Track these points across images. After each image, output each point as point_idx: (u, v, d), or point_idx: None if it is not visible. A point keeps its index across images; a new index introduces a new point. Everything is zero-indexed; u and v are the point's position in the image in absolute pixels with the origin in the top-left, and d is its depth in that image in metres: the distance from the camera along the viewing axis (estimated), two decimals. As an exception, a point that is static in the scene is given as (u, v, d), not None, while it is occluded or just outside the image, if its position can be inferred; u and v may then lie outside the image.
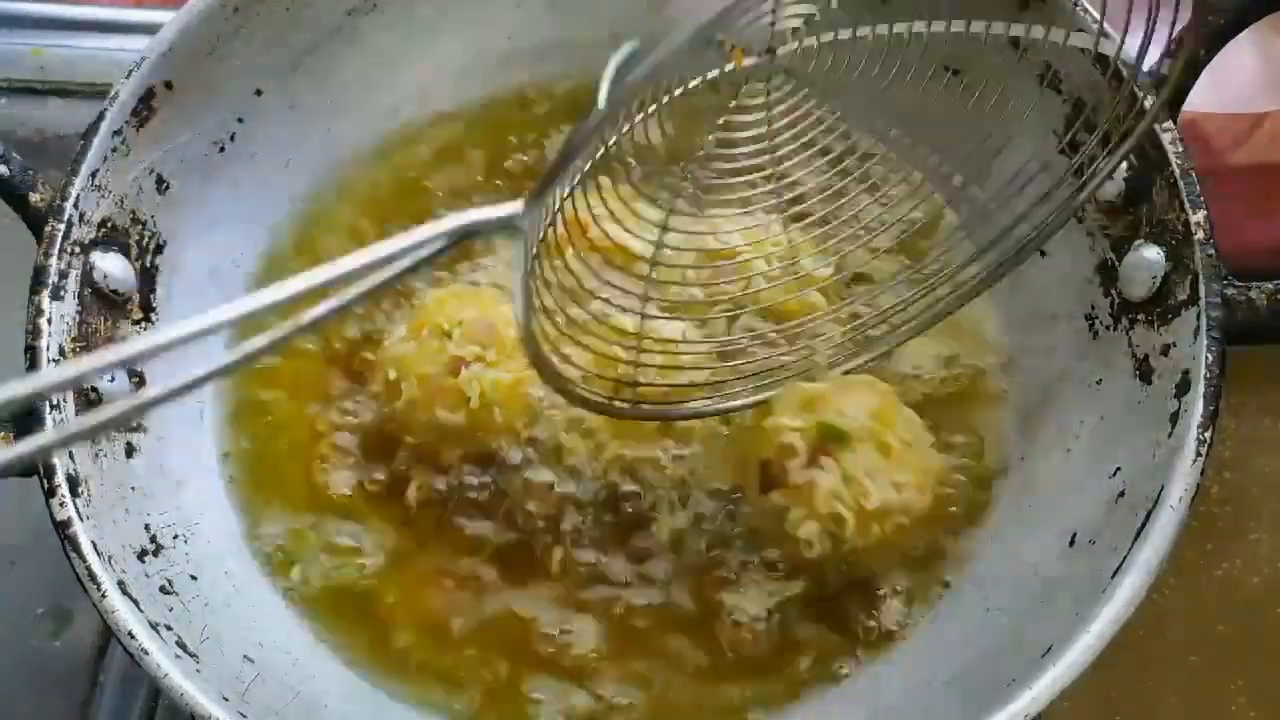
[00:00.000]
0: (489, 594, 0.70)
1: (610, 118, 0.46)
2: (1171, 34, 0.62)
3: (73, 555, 0.60)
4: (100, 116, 0.69)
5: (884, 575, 0.70)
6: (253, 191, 0.79)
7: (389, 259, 0.46)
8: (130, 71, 0.70)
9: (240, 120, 0.78)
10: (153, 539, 0.66)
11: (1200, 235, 0.63)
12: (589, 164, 0.57)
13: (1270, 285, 0.63)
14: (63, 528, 0.60)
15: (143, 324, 0.71)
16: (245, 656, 0.65)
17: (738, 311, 0.75)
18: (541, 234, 0.55)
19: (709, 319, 0.74)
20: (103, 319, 0.68)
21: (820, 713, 0.68)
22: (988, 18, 0.74)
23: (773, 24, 0.62)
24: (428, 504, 0.72)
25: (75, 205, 0.66)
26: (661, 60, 0.43)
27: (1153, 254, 0.66)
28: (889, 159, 0.75)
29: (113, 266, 0.69)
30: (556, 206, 0.56)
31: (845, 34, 0.64)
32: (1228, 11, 0.66)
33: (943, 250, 0.73)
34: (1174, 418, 0.62)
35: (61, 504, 0.61)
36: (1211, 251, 0.63)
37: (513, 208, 0.50)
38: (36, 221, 0.66)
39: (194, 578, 0.67)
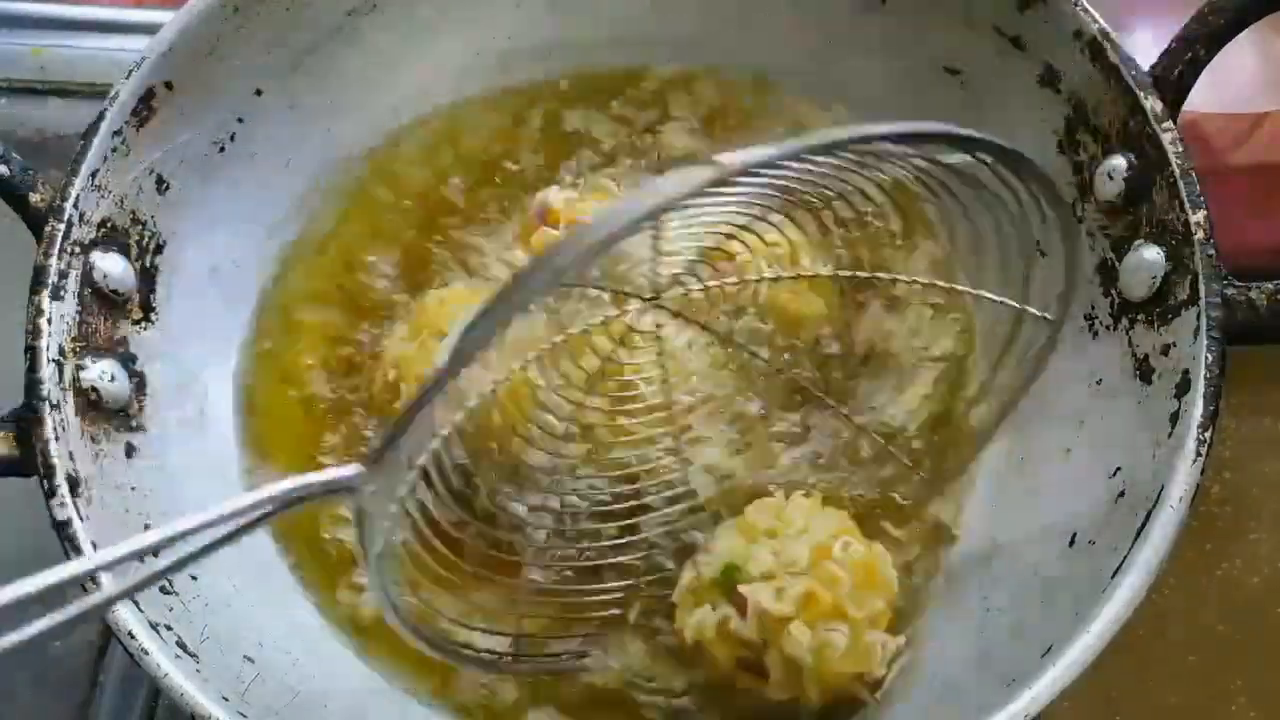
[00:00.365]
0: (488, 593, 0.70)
1: (450, 373, 0.44)
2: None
3: (73, 555, 0.60)
4: (100, 116, 0.69)
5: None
6: (253, 191, 0.79)
7: (213, 523, 0.46)
8: (130, 71, 0.70)
9: (240, 120, 0.78)
10: (153, 539, 0.66)
11: (1200, 235, 0.63)
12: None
13: (1270, 285, 0.63)
14: (62, 528, 0.60)
15: (143, 324, 0.71)
16: (245, 656, 0.65)
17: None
18: (398, 496, 0.50)
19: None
20: (103, 319, 0.68)
21: (823, 713, 0.68)
22: (990, 17, 0.75)
23: (654, 272, 0.59)
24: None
25: (75, 205, 0.66)
26: (496, 320, 0.42)
27: (1153, 254, 0.66)
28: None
29: (113, 266, 0.69)
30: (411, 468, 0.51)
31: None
32: (1228, 11, 0.66)
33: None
34: (1174, 418, 0.62)
35: (61, 504, 0.61)
36: (1211, 251, 0.63)
37: (351, 470, 0.47)
38: (36, 221, 0.66)
39: (194, 578, 0.67)
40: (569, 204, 0.75)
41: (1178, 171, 0.65)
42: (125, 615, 0.59)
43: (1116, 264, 0.70)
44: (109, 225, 0.69)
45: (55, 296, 0.65)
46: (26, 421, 0.62)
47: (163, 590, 0.64)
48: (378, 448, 0.47)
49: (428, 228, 0.82)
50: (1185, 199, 0.64)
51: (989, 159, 0.50)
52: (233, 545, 0.46)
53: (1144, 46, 0.72)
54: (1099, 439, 0.69)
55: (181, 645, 0.61)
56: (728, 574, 0.63)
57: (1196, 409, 0.61)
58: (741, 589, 0.62)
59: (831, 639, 0.61)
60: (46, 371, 0.63)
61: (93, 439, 0.65)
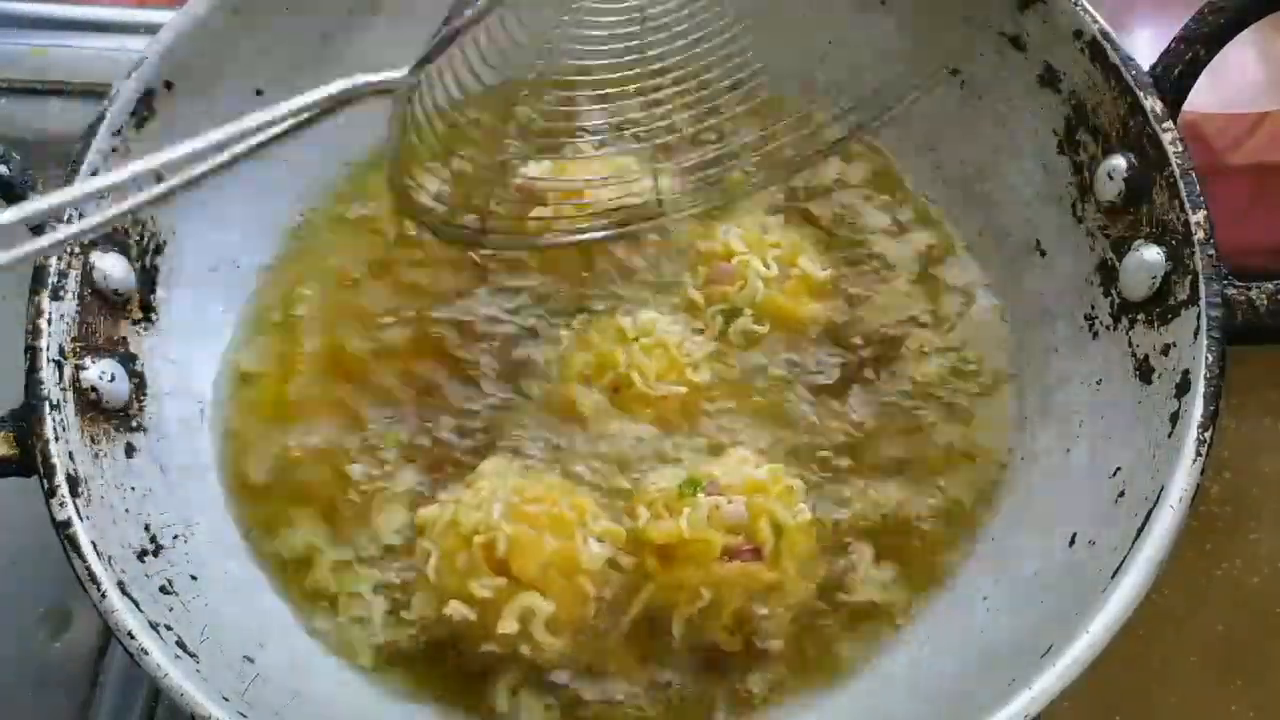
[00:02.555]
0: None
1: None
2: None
3: (73, 555, 0.60)
4: (100, 116, 0.69)
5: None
6: (253, 191, 0.79)
7: (276, 120, 0.55)
8: (130, 71, 0.70)
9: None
10: (153, 539, 0.66)
11: (1200, 235, 0.63)
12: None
13: (1270, 285, 0.63)
14: (63, 528, 0.60)
15: (143, 324, 0.71)
16: (245, 656, 0.65)
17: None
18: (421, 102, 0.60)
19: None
20: (103, 319, 0.68)
21: (823, 714, 0.68)
22: (990, 17, 0.75)
23: None
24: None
25: (75, 205, 0.66)
26: None
27: (1153, 254, 0.66)
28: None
29: (113, 266, 0.69)
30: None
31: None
32: (1228, 11, 0.66)
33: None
34: (1174, 418, 0.62)
35: (61, 504, 0.61)
36: (1211, 251, 0.63)
37: (398, 73, 0.56)
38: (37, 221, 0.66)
39: (194, 578, 0.67)
40: (550, 175, 0.75)
41: (1178, 171, 0.65)
42: (125, 615, 0.59)
43: (1116, 264, 0.70)
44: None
45: (55, 296, 0.65)
46: (26, 421, 0.62)
47: (163, 590, 0.64)
48: (421, 57, 0.56)
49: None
50: (1185, 199, 0.64)
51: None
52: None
53: (1144, 46, 0.72)
54: (1099, 439, 0.69)
55: (181, 645, 0.61)
56: (691, 484, 0.68)
57: (1196, 409, 0.61)
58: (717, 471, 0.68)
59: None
60: (46, 371, 0.63)
61: (93, 439, 0.65)
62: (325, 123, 0.80)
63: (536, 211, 0.73)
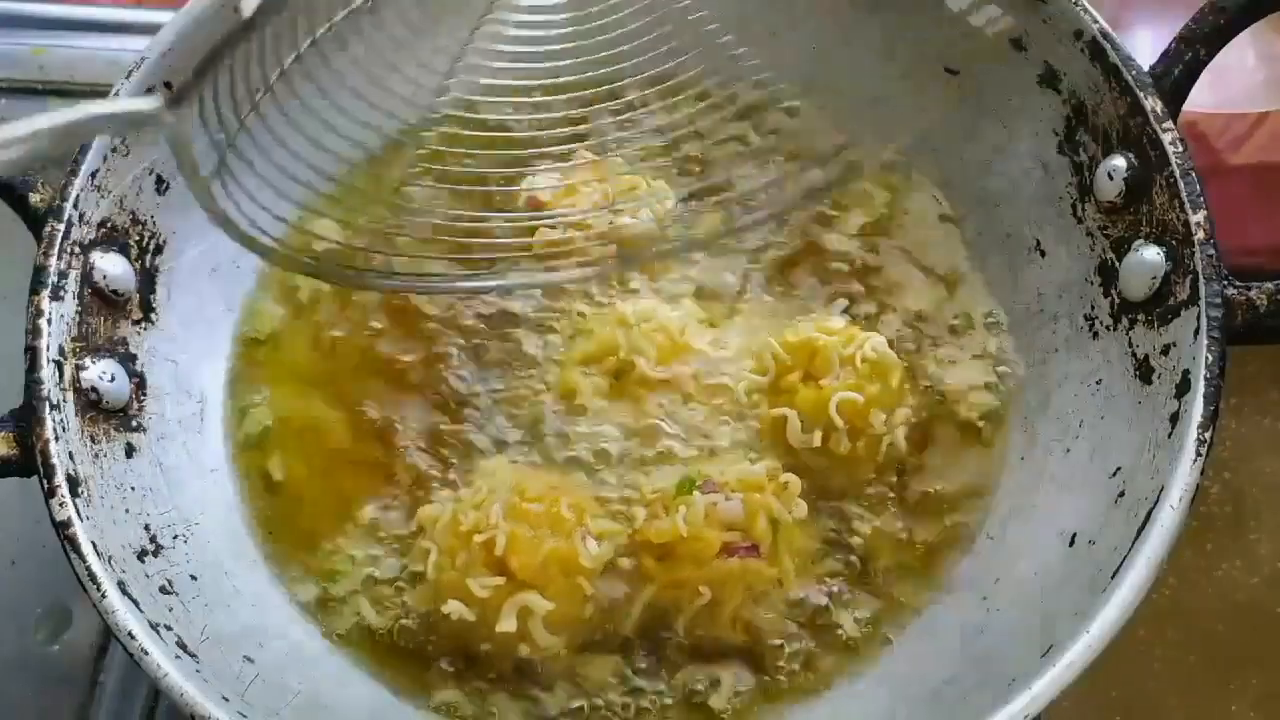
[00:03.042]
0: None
1: (253, 24, 0.46)
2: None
3: (73, 555, 0.60)
4: (100, 116, 0.69)
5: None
6: (252, 192, 0.79)
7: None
8: (130, 71, 0.70)
9: (240, 121, 0.77)
10: (153, 539, 0.66)
11: (1200, 235, 0.63)
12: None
13: (1270, 285, 0.63)
14: (63, 528, 0.60)
15: (143, 324, 0.71)
16: (245, 656, 0.65)
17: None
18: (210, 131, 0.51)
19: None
20: (103, 319, 0.68)
21: (824, 712, 0.68)
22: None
23: None
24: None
25: (75, 205, 0.66)
26: None
27: (1153, 254, 0.66)
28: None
29: (113, 266, 0.69)
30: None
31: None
32: (1228, 11, 0.66)
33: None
34: (1174, 418, 0.62)
35: (61, 504, 0.61)
36: (1211, 251, 0.63)
37: (149, 102, 0.46)
38: (36, 221, 0.66)
39: (194, 578, 0.67)
40: (556, 195, 0.75)
41: (1178, 171, 0.65)
42: (125, 615, 0.59)
43: (1116, 264, 0.70)
44: (109, 225, 0.69)
45: (55, 296, 0.65)
46: (26, 421, 0.62)
47: (163, 590, 0.64)
48: (182, 86, 0.47)
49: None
50: (1185, 199, 0.64)
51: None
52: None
53: (1144, 46, 0.72)
54: (1099, 439, 0.69)
55: (181, 645, 0.61)
56: (687, 483, 0.68)
57: (1196, 409, 0.61)
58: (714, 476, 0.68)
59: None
60: (46, 371, 0.63)
61: (93, 439, 0.65)
62: (324, 118, 0.81)
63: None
